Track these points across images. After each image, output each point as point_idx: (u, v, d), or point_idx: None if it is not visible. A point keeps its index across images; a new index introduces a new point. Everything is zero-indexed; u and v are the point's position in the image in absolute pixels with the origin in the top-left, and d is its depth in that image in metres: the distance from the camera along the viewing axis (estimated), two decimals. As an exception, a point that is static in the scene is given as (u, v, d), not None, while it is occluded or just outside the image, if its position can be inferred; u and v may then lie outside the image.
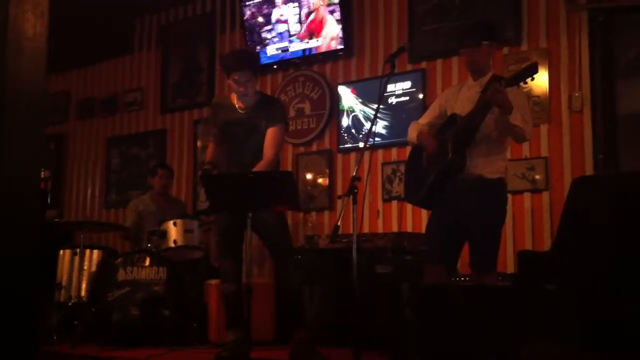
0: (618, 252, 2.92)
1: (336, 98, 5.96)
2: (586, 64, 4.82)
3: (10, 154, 1.77)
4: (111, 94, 7.63)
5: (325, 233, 5.49)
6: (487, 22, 4.49)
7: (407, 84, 5.56)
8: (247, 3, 6.38)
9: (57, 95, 7.95)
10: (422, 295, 3.12)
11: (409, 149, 4.03)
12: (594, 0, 4.88)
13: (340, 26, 5.86)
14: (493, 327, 2.81)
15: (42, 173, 6.74)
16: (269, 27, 6.29)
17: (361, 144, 5.61)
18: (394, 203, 5.51)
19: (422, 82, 5.50)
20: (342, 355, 3.66)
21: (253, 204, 3.70)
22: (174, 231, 5.11)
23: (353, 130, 5.82)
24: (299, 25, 6.10)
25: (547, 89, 4.92)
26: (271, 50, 6.26)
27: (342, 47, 5.87)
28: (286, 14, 6.18)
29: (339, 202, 5.62)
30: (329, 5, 5.90)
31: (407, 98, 5.55)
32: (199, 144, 6.82)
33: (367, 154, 4.64)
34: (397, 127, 5.47)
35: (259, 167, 3.93)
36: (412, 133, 3.85)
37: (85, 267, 5.25)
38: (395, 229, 5.39)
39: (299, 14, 6.10)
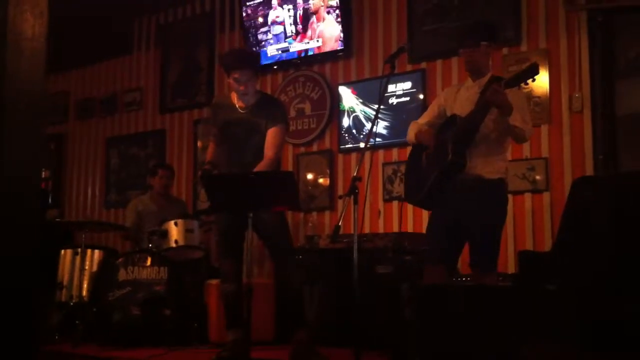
0: (619, 252, 2.91)
1: (337, 98, 5.96)
2: (586, 64, 4.82)
3: (10, 154, 1.77)
4: (110, 93, 7.63)
5: (325, 233, 5.49)
6: (486, 22, 4.48)
7: (407, 85, 5.56)
8: (248, 3, 6.38)
9: (57, 95, 7.95)
10: (422, 295, 3.11)
11: (409, 149, 4.03)
12: (593, 1, 4.88)
13: (339, 27, 5.86)
14: (493, 327, 2.81)
15: (43, 173, 6.75)
16: (264, 29, 6.30)
17: (362, 144, 5.61)
18: (395, 203, 5.51)
19: (422, 82, 5.50)
20: (342, 355, 3.66)
21: (253, 204, 3.70)
22: (175, 231, 5.12)
23: (354, 131, 5.82)
24: (294, 26, 6.11)
25: (548, 90, 4.92)
26: (271, 50, 6.26)
27: (342, 47, 5.87)
28: (282, 16, 6.19)
29: (340, 202, 5.62)
30: (328, 6, 5.90)
31: (408, 98, 5.55)
32: (199, 144, 6.81)
33: (367, 154, 4.63)
34: (397, 127, 5.47)
35: (260, 167, 3.93)
36: (411, 132, 3.86)
37: (87, 267, 5.25)
38: (396, 229, 5.38)
39: (294, 16, 6.11)
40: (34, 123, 1.85)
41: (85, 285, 5.19)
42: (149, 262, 4.98)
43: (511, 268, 4.78)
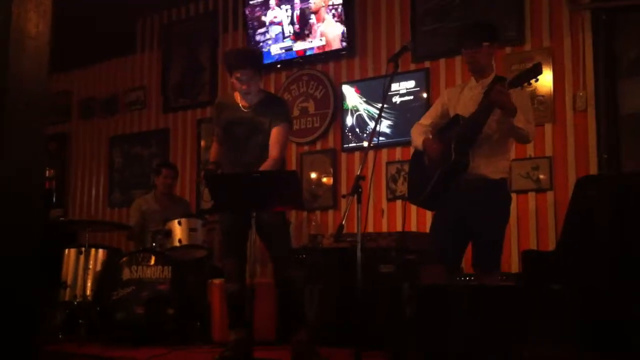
0: (622, 251, 2.91)
1: (340, 97, 5.96)
2: (590, 63, 4.81)
3: (11, 154, 1.77)
4: (113, 93, 7.64)
5: (329, 232, 5.49)
6: (488, 22, 4.46)
7: (411, 83, 5.55)
8: (250, 2, 6.38)
9: (60, 95, 7.96)
10: (423, 294, 3.11)
11: (412, 148, 4.02)
12: (597, 0, 4.87)
13: (342, 25, 5.86)
14: (495, 327, 2.80)
15: (47, 172, 6.76)
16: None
17: (365, 143, 5.61)
18: (398, 202, 5.50)
19: (426, 81, 5.49)
20: (342, 355, 3.66)
21: (257, 204, 3.69)
22: (178, 230, 5.12)
23: (357, 130, 5.82)
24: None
25: (551, 89, 4.91)
26: (275, 49, 6.26)
27: (345, 46, 5.87)
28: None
29: (343, 202, 5.62)
30: (332, 5, 5.89)
31: (411, 97, 5.55)
32: (202, 143, 6.82)
33: (371, 153, 4.63)
34: (401, 126, 5.47)
35: (265, 166, 3.91)
36: (417, 138, 3.81)
37: (90, 266, 5.25)
38: (399, 228, 5.38)
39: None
40: (36, 122, 1.85)
41: (89, 285, 5.19)
42: (152, 262, 4.98)
43: (515, 267, 4.78)
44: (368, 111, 5.77)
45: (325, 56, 6.05)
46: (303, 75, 6.21)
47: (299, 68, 6.25)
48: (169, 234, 5.13)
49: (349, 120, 5.87)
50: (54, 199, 7.43)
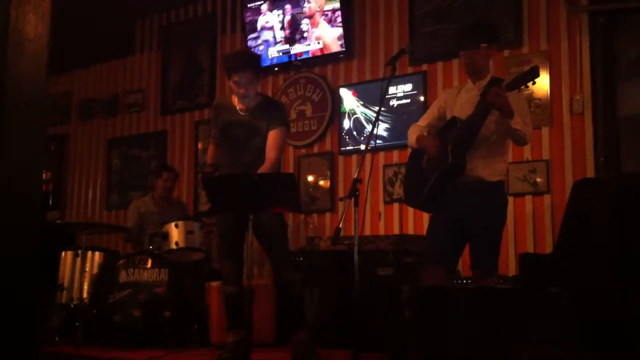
0: (620, 254, 2.91)
1: (337, 100, 5.96)
2: (587, 66, 4.82)
3: (10, 155, 1.77)
4: (112, 95, 7.64)
5: (326, 235, 5.49)
6: (486, 23, 4.46)
7: (408, 87, 5.56)
8: (249, 5, 6.39)
9: (59, 96, 7.96)
10: (422, 296, 3.11)
11: (410, 151, 4.02)
12: (595, 2, 4.88)
13: (334, 30, 5.87)
14: (493, 329, 2.80)
15: (44, 174, 6.75)
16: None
17: (362, 146, 5.61)
18: (396, 205, 5.51)
19: (423, 84, 5.50)
20: (342, 356, 3.66)
21: (254, 206, 3.70)
22: (175, 233, 5.11)
23: (354, 133, 5.82)
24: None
25: (548, 92, 4.92)
26: (272, 52, 6.27)
27: (343, 49, 5.88)
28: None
29: (341, 204, 5.63)
30: (330, 8, 5.90)
31: (409, 100, 5.56)
32: (200, 145, 6.82)
33: (368, 156, 4.63)
34: (398, 129, 5.47)
35: (262, 169, 3.92)
36: (412, 137, 3.83)
37: (87, 269, 5.25)
38: (396, 231, 5.39)
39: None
40: (34, 124, 1.84)
41: (85, 287, 5.18)
42: (149, 264, 4.98)
43: (512, 270, 4.78)
44: (365, 114, 5.77)
45: (323, 59, 6.05)
46: (300, 79, 6.22)
47: (297, 71, 6.25)
48: (166, 236, 5.12)
49: (347, 123, 5.87)
50: (50, 202, 7.42)
